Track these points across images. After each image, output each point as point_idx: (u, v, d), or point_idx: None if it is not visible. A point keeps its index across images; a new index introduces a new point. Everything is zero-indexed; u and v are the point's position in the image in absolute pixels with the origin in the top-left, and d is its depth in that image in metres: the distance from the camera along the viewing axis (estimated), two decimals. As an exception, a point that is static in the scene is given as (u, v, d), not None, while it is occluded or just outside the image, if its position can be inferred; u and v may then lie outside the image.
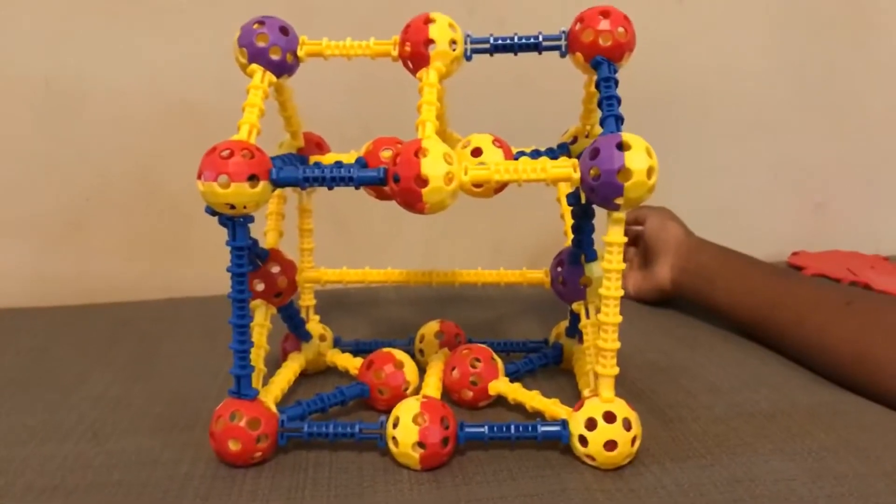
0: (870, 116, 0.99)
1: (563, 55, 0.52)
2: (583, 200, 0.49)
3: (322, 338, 0.65)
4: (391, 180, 0.45)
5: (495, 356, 0.57)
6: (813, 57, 0.96)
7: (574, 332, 0.62)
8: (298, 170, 0.47)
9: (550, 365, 0.63)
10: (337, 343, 0.66)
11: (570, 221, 0.58)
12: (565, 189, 0.61)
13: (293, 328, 0.62)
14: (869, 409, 0.55)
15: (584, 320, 0.54)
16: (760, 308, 0.67)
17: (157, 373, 0.65)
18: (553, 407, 0.52)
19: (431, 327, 0.64)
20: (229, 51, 0.53)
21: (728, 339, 0.70)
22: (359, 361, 0.61)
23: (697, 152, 0.95)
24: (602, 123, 0.48)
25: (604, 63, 0.50)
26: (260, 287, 0.56)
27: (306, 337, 0.63)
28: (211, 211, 0.48)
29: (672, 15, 0.92)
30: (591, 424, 0.47)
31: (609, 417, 0.47)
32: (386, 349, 0.58)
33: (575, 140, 0.60)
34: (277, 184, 0.47)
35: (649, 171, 0.44)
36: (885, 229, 1.00)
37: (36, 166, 0.85)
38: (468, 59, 0.53)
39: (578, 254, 0.53)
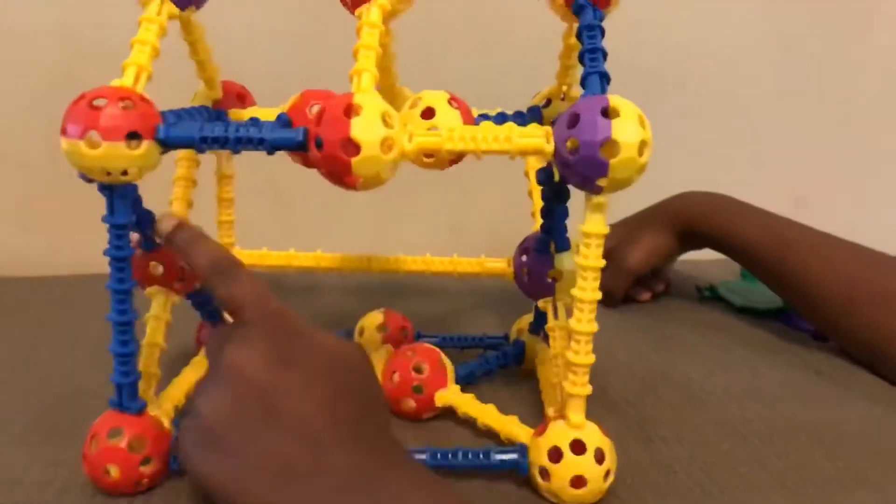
0: (854, 109, 0.92)
1: (538, -4, 0.43)
2: (556, 179, 0.39)
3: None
4: (313, 145, 0.35)
5: (444, 359, 0.48)
6: (799, 46, 0.88)
7: (538, 329, 0.53)
8: (195, 127, 0.37)
9: (511, 365, 0.54)
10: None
11: (539, 203, 0.49)
12: (535, 163, 0.51)
13: (207, 316, 0.52)
14: (877, 429, 0.47)
15: (551, 321, 0.45)
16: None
17: (43, 363, 0.55)
18: (510, 427, 0.43)
19: (373, 318, 0.55)
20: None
21: (708, 339, 0.62)
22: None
23: (671, 136, 0.85)
24: (583, 83, 0.38)
25: (587, 7, 0.40)
26: (158, 271, 0.45)
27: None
28: (85, 177, 0.37)
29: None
30: (555, 455, 0.38)
31: (577, 447, 0.38)
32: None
33: (548, 103, 0.50)
34: (166, 144, 0.37)
35: (641, 146, 0.34)
36: (866, 225, 0.93)
37: None
38: (421, -6, 0.43)
39: (548, 241, 0.44)
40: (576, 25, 0.41)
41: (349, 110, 0.34)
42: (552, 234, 0.44)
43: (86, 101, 0.35)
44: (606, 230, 0.37)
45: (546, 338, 0.53)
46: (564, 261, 0.44)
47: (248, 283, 0.37)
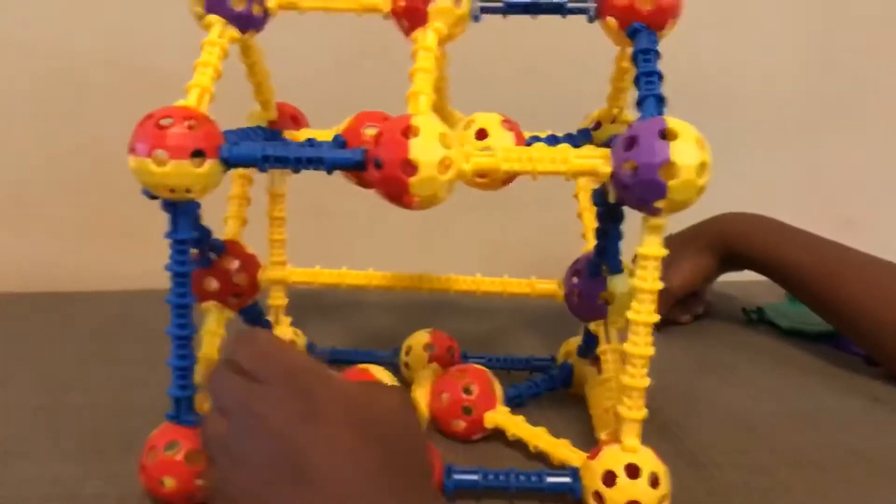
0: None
1: (591, 20, 0.43)
2: (611, 200, 0.39)
3: (292, 343, 0.55)
4: (371, 165, 0.35)
5: (493, 380, 0.48)
6: (845, 66, 0.86)
7: (587, 352, 0.52)
8: (257, 147, 0.37)
9: (558, 388, 0.53)
10: (310, 350, 0.57)
11: (591, 224, 0.49)
12: (586, 185, 0.51)
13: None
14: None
15: (603, 344, 0.45)
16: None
17: (95, 380, 0.55)
18: (562, 451, 0.43)
19: (420, 338, 0.55)
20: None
21: (755, 363, 0.61)
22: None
23: (719, 159, 0.85)
24: (639, 105, 0.38)
25: (643, 31, 0.40)
26: (213, 286, 0.46)
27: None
28: (149, 193, 0.38)
29: (698, 5, 0.81)
30: (609, 479, 0.38)
31: (632, 471, 0.38)
32: (362, 365, 0.49)
33: (598, 126, 0.50)
34: (230, 163, 0.37)
35: (700, 168, 0.34)
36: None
37: None
38: (476, 19, 0.43)
39: (600, 264, 0.44)
40: (629, 49, 0.41)
41: (408, 131, 0.35)
42: (605, 257, 0.43)
43: (153, 121, 0.36)
44: (664, 252, 0.37)
45: (595, 361, 0.52)
46: (617, 283, 0.44)
47: (265, 340, 0.36)
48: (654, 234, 0.36)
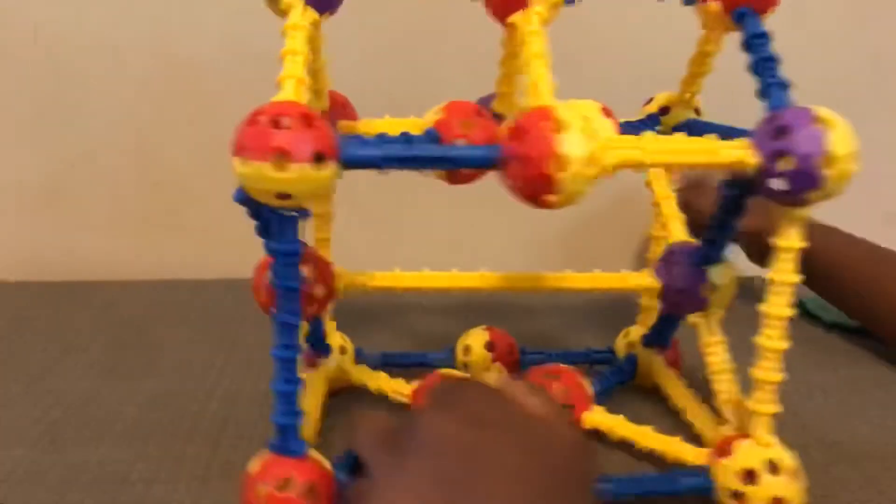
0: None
1: (688, 3, 0.41)
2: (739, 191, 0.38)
3: (342, 350, 0.52)
4: (511, 162, 0.33)
5: (583, 380, 0.46)
6: (885, 58, 0.84)
7: (656, 342, 0.51)
8: (375, 146, 0.34)
9: (627, 381, 0.52)
10: (359, 356, 0.53)
11: (671, 215, 0.48)
12: (656, 176, 0.50)
13: (313, 340, 0.49)
14: None
15: (706, 336, 0.44)
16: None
17: (138, 366, 0.55)
18: (678, 449, 0.41)
19: (478, 336, 0.52)
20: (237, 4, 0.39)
21: (802, 356, 0.59)
22: (398, 383, 0.49)
23: None
24: (764, 94, 0.37)
25: (750, 15, 0.39)
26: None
27: (326, 350, 0.50)
28: (245, 199, 0.34)
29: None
30: (749, 477, 0.37)
31: (772, 467, 0.37)
32: (445, 369, 0.46)
33: (666, 111, 0.49)
34: (347, 165, 0.34)
35: (854, 157, 0.34)
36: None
37: (15, 125, 0.72)
38: (570, 3, 0.41)
39: (709, 255, 0.43)
40: (717, 33, 0.40)
41: (553, 125, 0.32)
42: (713, 248, 0.42)
43: (266, 119, 0.32)
44: (803, 244, 0.36)
45: (662, 350, 0.52)
46: (719, 274, 0.43)
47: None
48: (794, 225, 0.36)
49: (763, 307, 0.37)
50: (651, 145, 0.34)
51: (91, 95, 0.71)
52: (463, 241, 0.77)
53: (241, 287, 0.70)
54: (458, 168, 0.34)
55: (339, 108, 0.48)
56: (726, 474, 0.38)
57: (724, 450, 0.39)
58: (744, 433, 0.39)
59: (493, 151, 0.33)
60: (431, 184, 0.41)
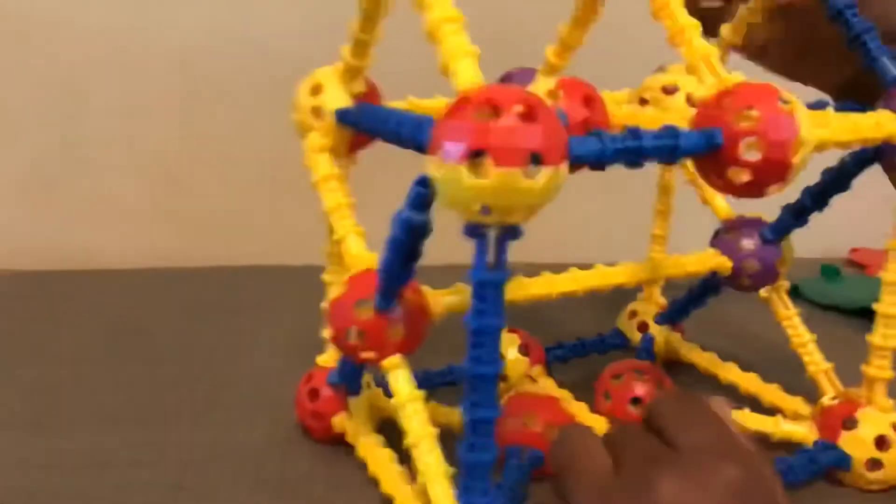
0: None
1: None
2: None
3: (368, 384, 0.43)
4: (738, 148, 0.28)
5: (662, 373, 0.44)
6: None
7: (673, 318, 0.51)
8: (596, 140, 0.27)
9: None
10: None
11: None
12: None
13: (349, 378, 0.40)
14: None
15: (781, 311, 0.44)
16: None
17: (129, 351, 0.55)
18: (785, 428, 0.41)
19: (509, 340, 0.47)
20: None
21: None
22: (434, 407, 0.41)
23: None
24: (872, 66, 0.37)
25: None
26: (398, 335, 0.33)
27: (357, 390, 0.41)
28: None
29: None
30: (882, 443, 0.38)
31: (896, 430, 0.38)
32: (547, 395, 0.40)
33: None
34: (578, 162, 0.26)
35: None
36: None
37: (5, 115, 0.72)
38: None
39: (788, 229, 0.43)
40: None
41: (787, 106, 0.29)
42: (798, 220, 0.42)
43: (472, 108, 0.24)
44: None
45: (675, 327, 0.51)
46: (787, 247, 0.44)
47: None
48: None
49: (885, 275, 0.38)
50: (838, 122, 0.32)
51: (82, 84, 0.71)
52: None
53: (232, 275, 0.68)
54: (678, 159, 0.29)
55: (371, 92, 0.39)
56: (860, 445, 0.38)
57: (842, 421, 0.39)
58: (850, 401, 0.40)
59: (716, 137, 0.29)
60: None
